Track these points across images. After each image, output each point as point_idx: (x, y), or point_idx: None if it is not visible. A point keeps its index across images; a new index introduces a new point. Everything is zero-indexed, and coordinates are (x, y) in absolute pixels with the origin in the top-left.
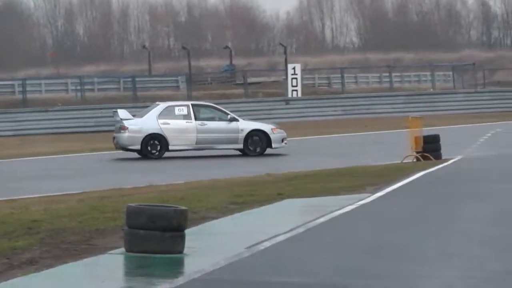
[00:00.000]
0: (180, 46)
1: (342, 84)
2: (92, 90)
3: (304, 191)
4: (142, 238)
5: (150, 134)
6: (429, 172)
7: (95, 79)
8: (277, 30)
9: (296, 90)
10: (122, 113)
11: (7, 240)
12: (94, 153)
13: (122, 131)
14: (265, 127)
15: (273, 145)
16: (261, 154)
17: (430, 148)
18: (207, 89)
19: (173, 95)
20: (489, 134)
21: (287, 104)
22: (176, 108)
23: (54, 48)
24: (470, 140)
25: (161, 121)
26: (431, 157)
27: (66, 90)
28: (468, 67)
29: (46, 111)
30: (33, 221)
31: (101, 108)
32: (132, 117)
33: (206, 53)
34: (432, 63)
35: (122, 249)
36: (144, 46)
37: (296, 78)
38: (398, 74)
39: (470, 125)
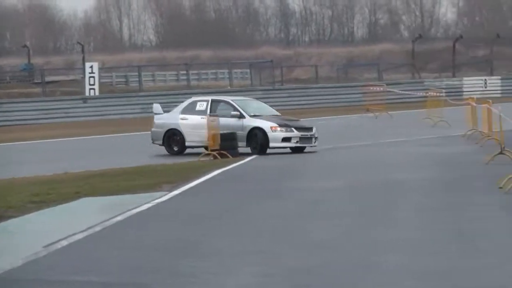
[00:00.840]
0: None
1: (140, 82)
2: None
3: (101, 190)
4: None
5: (169, 130)
6: (226, 170)
7: None
8: (75, 29)
9: (94, 89)
10: (156, 107)
11: None
12: None
13: (153, 125)
14: (265, 124)
15: (270, 144)
16: (260, 153)
17: (227, 146)
18: (6, 88)
19: None
20: None
21: (84, 102)
22: (198, 103)
23: None
24: None
25: (181, 116)
26: (229, 155)
27: None
28: (266, 64)
29: None
30: None
31: None
32: (162, 111)
33: (4, 52)
34: (229, 61)
35: None
36: None
37: (93, 77)
38: (195, 71)
39: None
